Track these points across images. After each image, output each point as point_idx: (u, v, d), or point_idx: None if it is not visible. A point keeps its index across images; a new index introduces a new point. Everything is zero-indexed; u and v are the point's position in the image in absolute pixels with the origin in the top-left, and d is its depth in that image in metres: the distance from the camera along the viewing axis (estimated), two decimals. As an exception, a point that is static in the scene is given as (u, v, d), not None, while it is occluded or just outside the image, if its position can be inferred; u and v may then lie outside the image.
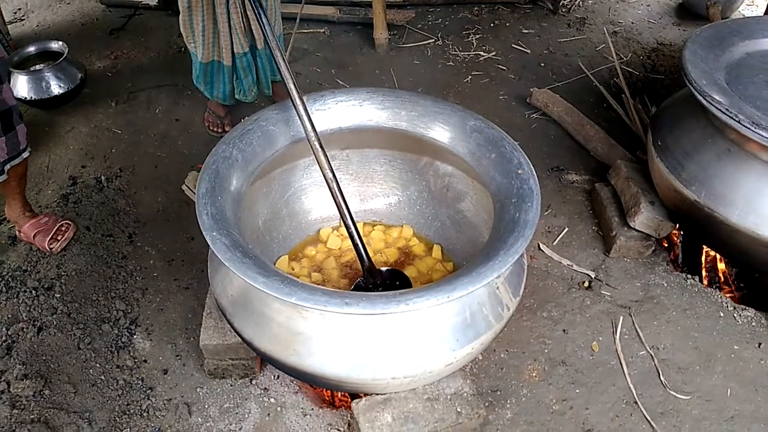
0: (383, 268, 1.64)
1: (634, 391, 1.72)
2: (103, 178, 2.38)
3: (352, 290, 1.60)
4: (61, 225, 2.10)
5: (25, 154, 1.92)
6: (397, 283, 1.61)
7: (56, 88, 2.69)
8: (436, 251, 1.76)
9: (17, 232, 2.10)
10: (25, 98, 2.65)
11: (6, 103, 1.80)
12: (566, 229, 2.18)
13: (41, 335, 1.83)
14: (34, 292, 1.95)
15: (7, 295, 1.94)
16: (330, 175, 1.47)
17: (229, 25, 2.15)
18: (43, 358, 1.77)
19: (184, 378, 1.74)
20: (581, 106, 2.63)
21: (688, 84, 1.72)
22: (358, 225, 1.52)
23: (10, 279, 1.99)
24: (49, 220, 2.09)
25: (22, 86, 2.66)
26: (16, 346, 1.80)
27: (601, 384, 1.74)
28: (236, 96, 2.40)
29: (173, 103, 2.77)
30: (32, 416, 1.63)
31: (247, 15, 2.14)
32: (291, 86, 1.43)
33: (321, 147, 1.46)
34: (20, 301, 1.92)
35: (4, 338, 1.82)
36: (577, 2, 3.50)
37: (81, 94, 2.80)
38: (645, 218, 1.99)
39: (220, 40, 2.19)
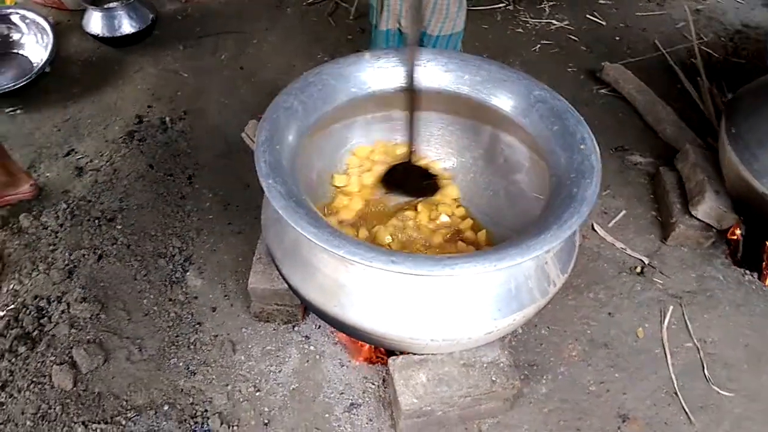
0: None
1: (675, 382, 1.69)
2: (167, 119, 2.45)
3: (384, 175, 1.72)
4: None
5: None
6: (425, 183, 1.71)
7: (128, 27, 2.75)
8: (482, 236, 1.72)
9: None
10: (97, 35, 2.73)
11: None
12: (624, 212, 2.12)
13: (101, 263, 1.93)
14: (96, 221, 2.05)
15: (72, 223, 2.04)
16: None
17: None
18: (102, 284, 1.87)
19: (230, 317, 1.80)
20: (653, 85, 2.52)
21: (773, 70, 1.62)
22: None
23: (75, 207, 2.09)
24: None
25: (95, 23, 2.73)
26: (77, 271, 1.90)
27: (642, 371, 1.72)
28: None
29: (239, 51, 2.80)
30: (88, 337, 1.74)
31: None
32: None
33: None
34: (83, 229, 2.02)
35: (66, 262, 1.92)
36: (660, -25, 3.31)
37: (151, 36, 2.86)
38: (708, 207, 1.91)
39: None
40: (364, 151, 1.79)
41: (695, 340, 1.78)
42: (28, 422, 1.55)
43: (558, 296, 1.72)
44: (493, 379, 1.47)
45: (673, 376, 1.71)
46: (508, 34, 2.92)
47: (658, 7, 3.11)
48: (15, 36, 2.68)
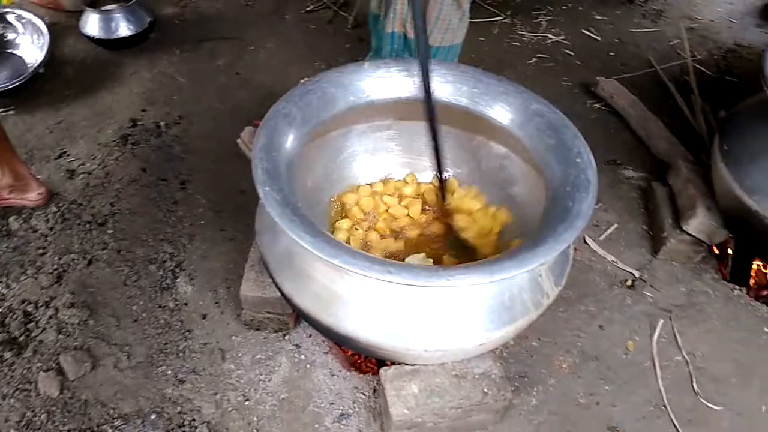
0: None
1: (664, 395, 1.70)
2: (162, 123, 2.44)
3: None
4: None
5: None
6: None
7: (125, 30, 2.73)
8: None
9: None
10: (93, 37, 2.71)
11: None
12: (615, 225, 2.14)
13: (90, 268, 1.91)
14: (87, 225, 2.03)
15: (62, 226, 2.02)
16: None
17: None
18: (91, 290, 1.85)
19: (220, 325, 1.79)
20: (646, 101, 2.54)
21: (767, 89, 1.64)
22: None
23: (65, 211, 2.07)
24: None
25: (92, 25, 2.71)
26: (67, 276, 1.88)
27: (632, 384, 1.72)
28: None
29: (236, 57, 2.79)
30: (76, 343, 1.72)
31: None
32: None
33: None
34: (74, 233, 2.00)
35: (55, 267, 1.90)
36: (655, -8, 3.36)
37: (148, 39, 2.85)
38: (699, 223, 1.93)
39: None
40: (366, 191, 1.78)
41: (684, 354, 1.79)
42: (12, 430, 1.53)
43: (549, 308, 1.73)
44: (485, 390, 1.47)
45: (662, 390, 1.71)
46: (504, 47, 2.94)
47: (652, 24, 3.15)
48: (10, 35, 2.66)
